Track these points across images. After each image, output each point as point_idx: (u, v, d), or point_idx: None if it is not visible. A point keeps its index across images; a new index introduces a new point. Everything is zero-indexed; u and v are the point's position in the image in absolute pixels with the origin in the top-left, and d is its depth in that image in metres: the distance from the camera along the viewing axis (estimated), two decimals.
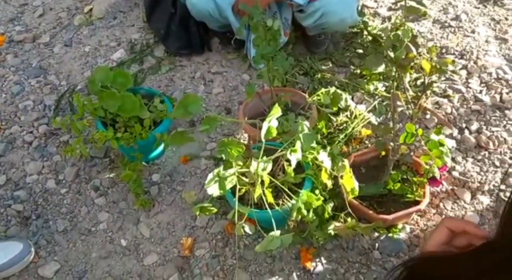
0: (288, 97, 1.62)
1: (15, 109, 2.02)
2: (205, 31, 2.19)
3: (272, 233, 1.15)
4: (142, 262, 1.53)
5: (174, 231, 1.60)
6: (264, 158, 1.14)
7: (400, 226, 1.51)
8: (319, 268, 1.46)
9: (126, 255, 1.55)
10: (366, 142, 1.78)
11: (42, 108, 2.01)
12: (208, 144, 1.84)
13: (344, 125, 1.80)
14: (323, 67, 2.10)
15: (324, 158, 1.26)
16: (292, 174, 1.31)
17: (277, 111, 1.07)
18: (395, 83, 1.31)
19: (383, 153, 1.51)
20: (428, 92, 1.88)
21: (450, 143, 1.69)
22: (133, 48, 2.25)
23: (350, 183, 1.22)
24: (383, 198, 1.49)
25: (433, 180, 1.37)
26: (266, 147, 1.47)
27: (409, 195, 1.44)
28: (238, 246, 1.53)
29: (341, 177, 1.24)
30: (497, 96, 1.90)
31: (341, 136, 1.74)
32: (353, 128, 1.77)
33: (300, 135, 1.22)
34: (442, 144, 1.27)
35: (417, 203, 1.44)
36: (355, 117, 1.84)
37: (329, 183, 1.29)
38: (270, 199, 1.18)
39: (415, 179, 1.42)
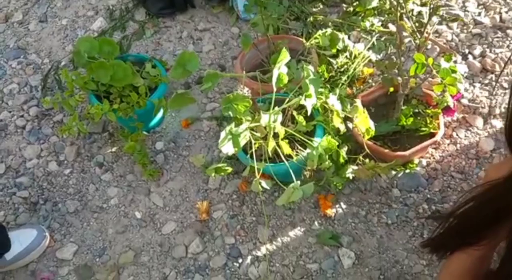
0: (285, 44, 1.54)
1: (0, 95, 1.92)
2: None
3: (292, 185, 1.11)
4: (161, 232, 1.50)
5: (188, 196, 1.57)
6: (276, 108, 1.09)
7: (416, 161, 1.48)
8: (340, 213, 1.44)
9: (143, 227, 1.52)
10: (370, 81, 1.73)
11: (29, 90, 1.92)
12: (207, 104, 1.78)
13: (345, 66, 1.73)
14: (314, 9, 2.00)
15: (334, 101, 1.21)
16: (304, 123, 1.26)
17: (285, 55, 1.00)
18: (398, 13, 1.24)
19: (391, 89, 1.46)
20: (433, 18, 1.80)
21: (462, 69, 1.64)
22: (112, 15, 2.13)
23: (365, 123, 1.17)
24: (396, 135, 1.45)
25: (447, 110, 1.33)
26: (271, 99, 1.41)
27: (423, 128, 1.40)
28: (255, 202, 1.50)
29: (356, 118, 1.20)
30: (497, 17, 1.83)
31: (344, 78, 1.68)
32: (354, 69, 1.70)
33: (307, 80, 1.16)
34: (454, 71, 1.21)
35: (432, 135, 1.40)
36: (355, 57, 1.77)
37: (342, 127, 1.24)
38: (288, 150, 1.13)
39: (428, 111, 1.37)
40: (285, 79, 1.02)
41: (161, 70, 1.60)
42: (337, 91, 1.23)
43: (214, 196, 1.55)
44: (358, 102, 1.17)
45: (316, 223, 1.44)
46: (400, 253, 1.35)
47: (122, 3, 2.18)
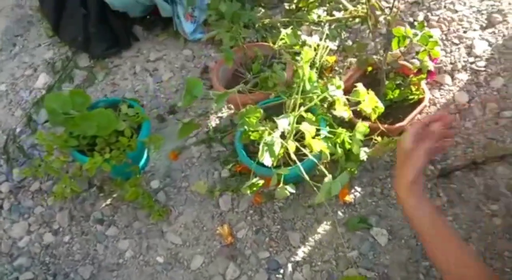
0: (258, 51, 1.56)
1: None
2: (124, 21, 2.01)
3: (326, 180, 1.13)
4: (190, 269, 1.45)
5: (204, 225, 1.52)
6: (294, 112, 1.09)
7: None
8: (358, 197, 1.48)
9: (170, 270, 1.46)
10: (337, 68, 1.79)
11: None
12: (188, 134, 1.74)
13: (310, 61, 1.78)
14: (257, 14, 2.04)
15: (334, 90, 1.24)
16: (313, 118, 1.28)
17: (309, 55, 1.01)
18: None
19: (370, 69, 1.53)
20: None
21: (436, 33, 1.74)
22: (54, 68, 2.02)
23: (373, 102, 1.21)
24: (386, 110, 1.51)
25: (429, 74, 1.41)
26: (265, 106, 1.41)
27: (411, 97, 1.47)
28: (274, 211, 1.50)
29: (361, 102, 1.23)
30: None
31: (313, 71, 1.72)
32: (320, 60, 1.75)
33: (307, 79, 1.19)
34: (430, 36, 1.30)
35: (418, 101, 1.48)
36: (315, 49, 1.83)
37: (346, 114, 1.27)
38: (323, 146, 1.13)
39: (414, 79, 1.45)
40: (314, 77, 1.03)
41: (140, 108, 1.55)
42: (335, 80, 1.25)
43: (231, 217, 1.52)
44: (360, 85, 1.21)
45: (339, 212, 1.46)
46: None
47: (59, 54, 2.08)
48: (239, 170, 1.59)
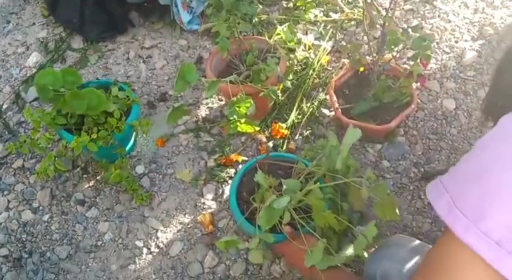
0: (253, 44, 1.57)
1: None
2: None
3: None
4: (169, 254, 1.44)
5: (186, 213, 1.52)
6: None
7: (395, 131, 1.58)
8: None
9: (149, 254, 1.45)
10: (329, 68, 1.81)
11: None
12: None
13: (305, 60, 1.80)
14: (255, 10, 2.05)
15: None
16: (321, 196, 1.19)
17: (355, 135, 0.95)
18: None
19: (362, 69, 1.55)
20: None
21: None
22: (47, 47, 2.00)
23: (391, 209, 1.12)
24: (374, 111, 1.53)
25: (420, 78, 1.43)
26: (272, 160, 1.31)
27: (400, 99, 1.49)
28: None
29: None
30: None
31: (310, 72, 1.73)
32: (318, 60, 1.77)
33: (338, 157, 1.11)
34: (424, 40, 1.32)
35: (406, 104, 1.50)
36: (309, 48, 1.85)
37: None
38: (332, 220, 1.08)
39: (405, 81, 1.47)
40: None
41: (131, 92, 1.54)
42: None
43: (214, 206, 1.52)
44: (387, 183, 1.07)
45: None
46: (406, 217, 1.43)
47: (53, 34, 2.06)
48: (224, 162, 1.59)
